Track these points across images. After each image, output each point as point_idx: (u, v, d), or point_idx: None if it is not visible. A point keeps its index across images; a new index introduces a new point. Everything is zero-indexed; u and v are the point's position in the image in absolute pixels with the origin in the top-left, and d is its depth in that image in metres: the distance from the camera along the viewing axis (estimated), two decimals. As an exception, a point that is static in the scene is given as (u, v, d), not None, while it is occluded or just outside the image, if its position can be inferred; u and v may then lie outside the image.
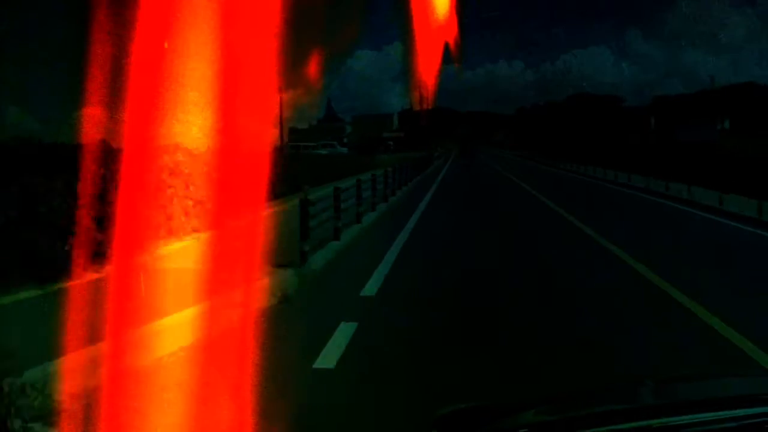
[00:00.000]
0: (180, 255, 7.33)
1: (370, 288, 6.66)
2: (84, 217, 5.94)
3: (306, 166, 19.69)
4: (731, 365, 4.29)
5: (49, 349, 3.74)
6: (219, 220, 6.58)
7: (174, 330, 4.62)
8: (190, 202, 8.52)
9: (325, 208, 9.37)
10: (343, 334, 4.94)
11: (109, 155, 6.73)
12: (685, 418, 1.28)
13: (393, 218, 13.45)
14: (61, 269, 5.63)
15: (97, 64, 6.16)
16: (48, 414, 3.29)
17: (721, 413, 1.29)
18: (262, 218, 6.49)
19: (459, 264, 8.39)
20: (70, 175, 6.38)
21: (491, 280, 7.35)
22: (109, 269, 5.91)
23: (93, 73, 6.18)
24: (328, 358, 4.41)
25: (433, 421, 1.39)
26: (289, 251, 7.51)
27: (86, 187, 6.20)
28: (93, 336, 4.00)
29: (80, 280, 5.63)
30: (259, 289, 5.94)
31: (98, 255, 6.12)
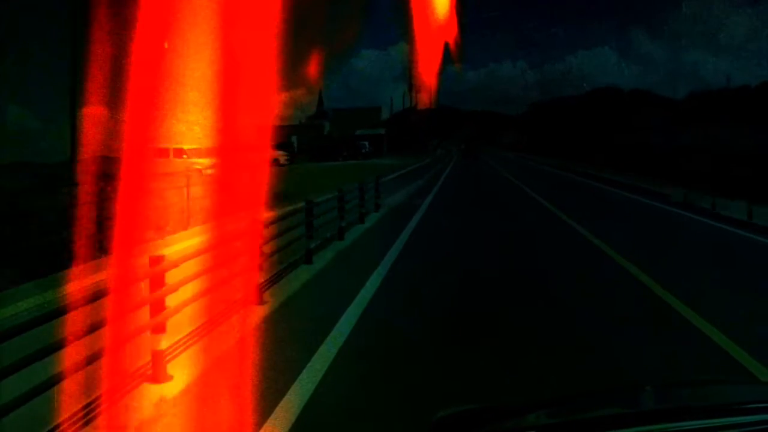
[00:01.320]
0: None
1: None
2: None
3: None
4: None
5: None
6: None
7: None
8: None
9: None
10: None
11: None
12: (687, 424, 1.28)
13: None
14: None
15: (97, 64, 6.16)
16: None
17: (722, 420, 1.30)
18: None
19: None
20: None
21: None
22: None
23: (93, 73, 6.18)
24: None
25: (433, 422, 1.36)
26: None
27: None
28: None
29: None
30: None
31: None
